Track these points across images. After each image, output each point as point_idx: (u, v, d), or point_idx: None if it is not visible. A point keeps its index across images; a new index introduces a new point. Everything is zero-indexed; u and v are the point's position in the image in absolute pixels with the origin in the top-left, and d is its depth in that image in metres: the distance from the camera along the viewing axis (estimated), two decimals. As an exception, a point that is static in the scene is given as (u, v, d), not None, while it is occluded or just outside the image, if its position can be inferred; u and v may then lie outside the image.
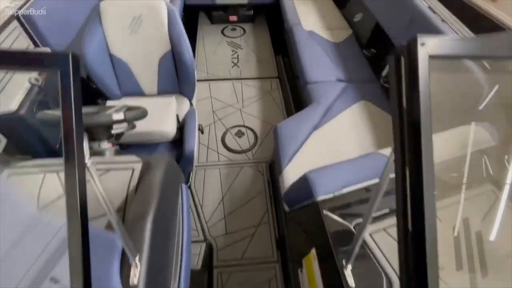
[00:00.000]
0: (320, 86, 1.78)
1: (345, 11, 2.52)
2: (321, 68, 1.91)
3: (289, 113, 2.23)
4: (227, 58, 2.73)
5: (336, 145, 1.49)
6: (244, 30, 3.08)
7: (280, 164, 1.40)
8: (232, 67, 2.64)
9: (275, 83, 2.49)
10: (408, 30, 1.63)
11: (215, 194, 1.75)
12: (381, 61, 2.05)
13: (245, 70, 2.61)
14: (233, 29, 3.09)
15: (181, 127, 1.54)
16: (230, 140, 2.04)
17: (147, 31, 1.47)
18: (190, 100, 1.70)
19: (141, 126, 1.34)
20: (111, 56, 1.50)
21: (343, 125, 1.59)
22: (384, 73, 1.95)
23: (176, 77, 1.62)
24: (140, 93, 1.64)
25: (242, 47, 2.86)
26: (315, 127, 1.55)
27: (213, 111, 2.23)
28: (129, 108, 1.13)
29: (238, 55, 2.76)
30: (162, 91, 1.66)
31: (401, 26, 1.70)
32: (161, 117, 1.38)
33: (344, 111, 1.65)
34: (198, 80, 2.49)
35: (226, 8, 3.01)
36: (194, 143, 1.45)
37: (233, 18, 3.09)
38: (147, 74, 1.59)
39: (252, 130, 2.11)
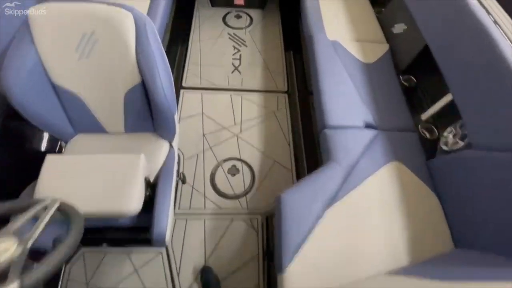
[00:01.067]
0: (342, 134, 1.36)
1: (383, 15, 1.97)
2: (345, 105, 1.46)
3: (296, 147, 1.81)
4: (227, 58, 2.21)
5: (358, 233, 1.12)
6: (251, 19, 2.50)
7: (281, 258, 1.05)
8: (232, 72, 2.14)
9: (282, 100, 2.03)
10: (478, 77, 1.16)
11: (197, 257, 1.42)
12: (422, 99, 1.60)
13: (248, 77, 2.12)
14: (238, 17, 2.51)
15: (153, 185, 1.15)
16: (221, 179, 1.66)
17: (104, 56, 1.00)
18: (170, 141, 1.28)
19: (90, 204, 0.96)
20: (54, 87, 1.04)
21: (368, 200, 1.21)
22: (424, 116, 1.52)
23: (150, 114, 1.19)
24: (100, 130, 1.22)
25: (246, 43, 2.32)
26: (331, 201, 1.18)
27: (204, 135, 1.81)
28: (63, 210, 0.73)
29: (240, 55, 2.24)
30: (131, 129, 1.24)
31: (467, 66, 1.23)
32: (121, 188, 0.99)
33: (369, 177, 1.26)
34: (188, 88, 2.03)
35: (230, -12, 2.41)
36: (168, 219, 1.08)
37: (239, 1, 2.49)
38: (108, 111, 1.15)
39: (249, 166, 1.72)
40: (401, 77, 1.68)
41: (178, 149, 1.63)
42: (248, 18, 2.51)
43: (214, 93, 2.01)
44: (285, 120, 1.94)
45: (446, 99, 1.39)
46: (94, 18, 0.93)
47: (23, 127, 1.22)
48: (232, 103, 1.97)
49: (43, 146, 1.39)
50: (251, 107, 1.97)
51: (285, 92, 2.07)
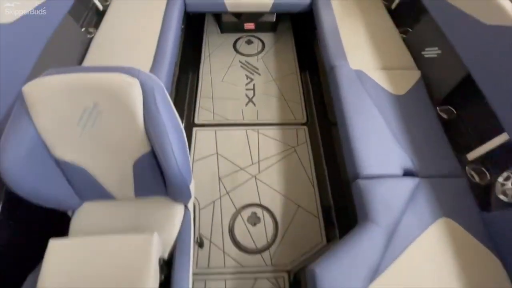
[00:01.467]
0: (378, 185, 1.19)
1: (411, 37, 1.79)
2: (378, 148, 1.29)
3: (321, 188, 1.65)
4: (240, 89, 2.09)
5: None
6: (263, 44, 2.38)
7: None
8: (247, 104, 2.01)
9: (302, 133, 1.87)
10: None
11: (219, 326, 1.27)
12: (466, 134, 1.41)
13: (263, 109, 1.98)
14: (249, 42, 2.39)
15: (169, 261, 1.02)
16: (241, 231, 1.51)
17: (110, 127, 0.89)
18: (185, 204, 1.15)
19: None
20: (56, 161, 0.94)
21: (417, 269, 1.03)
22: (471, 156, 1.32)
23: (162, 178, 1.06)
24: (108, 197, 1.10)
25: (259, 71, 2.19)
26: (374, 274, 1.00)
27: (220, 179, 1.68)
28: None
29: (254, 85, 2.11)
30: (142, 194, 1.11)
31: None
32: (133, 277, 0.86)
33: (415, 240, 1.08)
34: (201, 125, 1.91)
35: (240, 13, 2.29)
36: None
37: (250, 25, 2.37)
38: (117, 179, 1.03)
39: (270, 212, 1.57)
40: (438, 108, 1.50)
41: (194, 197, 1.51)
42: (260, 43, 2.38)
43: (228, 130, 1.88)
44: (307, 156, 1.78)
45: (501, 139, 1.20)
46: (96, 89, 0.82)
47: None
48: (248, 139, 1.84)
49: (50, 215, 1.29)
50: (269, 144, 1.82)
51: (304, 124, 1.92)
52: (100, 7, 1.94)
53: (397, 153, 1.29)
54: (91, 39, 1.71)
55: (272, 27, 2.43)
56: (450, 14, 1.42)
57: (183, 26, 2.05)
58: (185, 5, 2.00)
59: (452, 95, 1.47)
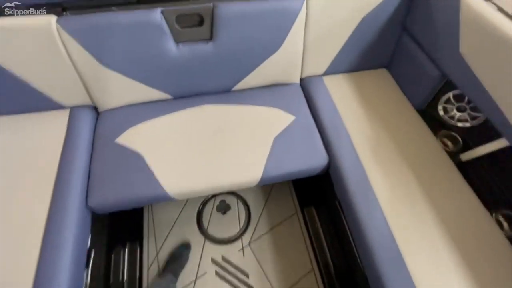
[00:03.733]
0: None
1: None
2: None
3: None
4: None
5: None
6: (247, 208, 1.44)
7: None
8: None
9: None
10: None
11: None
12: None
13: None
14: (223, 208, 1.44)
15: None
16: None
17: None
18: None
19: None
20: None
21: None
22: None
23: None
24: None
25: (250, 280, 1.24)
26: None
27: None
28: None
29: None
30: None
31: None
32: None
33: None
34: None
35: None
36: None
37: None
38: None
39: None
40: None
41: None
42: (242, 207, 1.44)
43: None
44: None
45: None
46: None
47: None
48: None
49: None
50: None
51: None
52: None
53: None
54: None
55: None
56: None
57: (91, 235, 1.05)
58: (91, 211, 1.02)
59: None
